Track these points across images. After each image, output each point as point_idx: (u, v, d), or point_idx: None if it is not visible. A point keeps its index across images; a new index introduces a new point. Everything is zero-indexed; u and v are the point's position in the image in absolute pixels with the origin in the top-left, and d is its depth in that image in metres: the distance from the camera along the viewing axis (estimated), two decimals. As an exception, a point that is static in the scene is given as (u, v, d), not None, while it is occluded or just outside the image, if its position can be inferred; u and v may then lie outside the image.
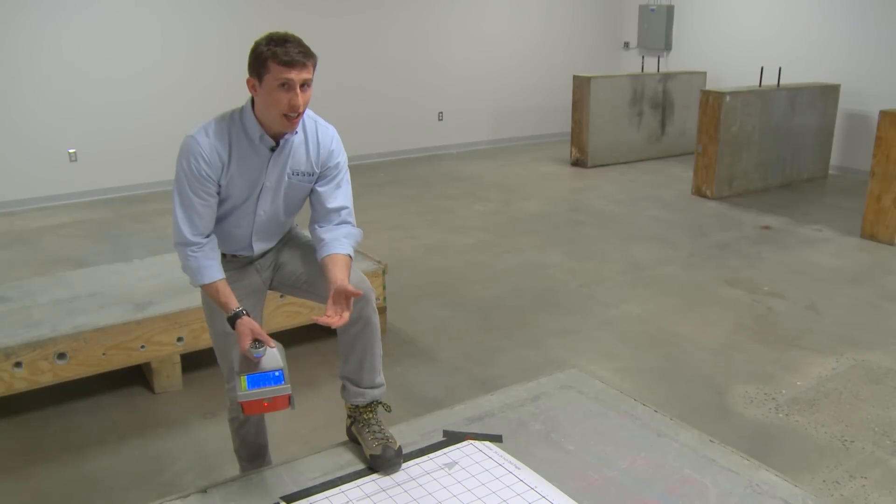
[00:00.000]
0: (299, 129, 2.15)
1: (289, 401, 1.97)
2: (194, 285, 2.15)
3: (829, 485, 2.74)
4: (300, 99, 1.98)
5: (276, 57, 1.94)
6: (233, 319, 2.04)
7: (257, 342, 1.99)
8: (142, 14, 6.87)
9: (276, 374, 1.97)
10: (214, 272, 2.10)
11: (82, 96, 6.71)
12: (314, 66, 2.02)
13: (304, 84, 1.99)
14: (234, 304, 2.07)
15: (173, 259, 3.78)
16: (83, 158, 6.84)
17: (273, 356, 2.00)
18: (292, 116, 2.01)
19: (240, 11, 7.12)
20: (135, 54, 6.90)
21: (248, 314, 2.06)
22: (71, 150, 6.77)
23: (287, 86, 1.96)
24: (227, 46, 7.06)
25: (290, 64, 1.94)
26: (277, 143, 2.11)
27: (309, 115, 2.20)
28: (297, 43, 1.98)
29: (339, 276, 2.04)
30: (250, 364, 1.98)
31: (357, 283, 2.16)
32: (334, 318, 1.98)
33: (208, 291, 2.12)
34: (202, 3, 7.16)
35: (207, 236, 2.12)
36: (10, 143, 6.48)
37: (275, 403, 1.96)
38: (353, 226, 2.25)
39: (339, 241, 2.16)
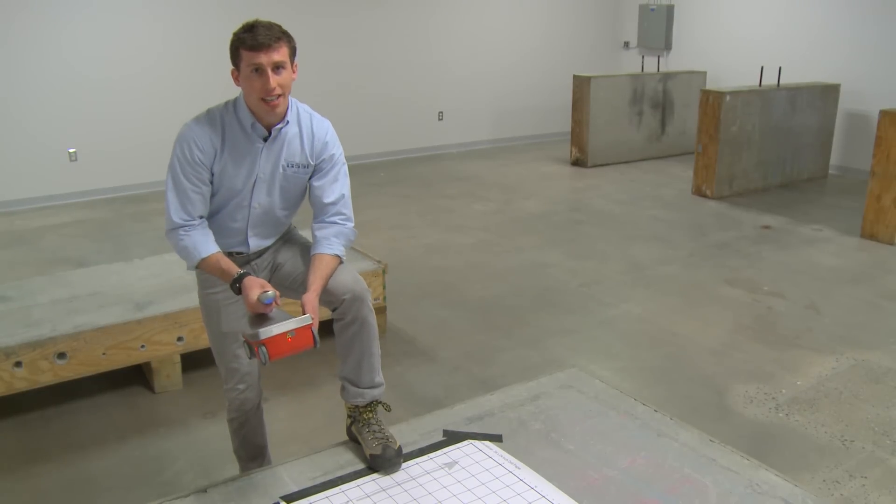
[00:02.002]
0: (294, 121, 2.16)
1: (313, 337, 1.94)
2: (191, 267, 2.14)
3: (829, 484, 2.74)
4: (273, 81, 2.00)
5: (244, 43, 1.99)
6: (238, 281, 2.02)
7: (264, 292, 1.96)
8: (141, 14, 6.87)
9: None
10: (210, 246, 2.11)
11: (82, 96, 6.71)
12: (289, 48, 2.04)
13: (278, 66, 2.01)
14: (237, 269, 2.06)
15: (173, 259, 3.80)
16: (83, 158, 6.84)
17: (282, 312, 1.97)
18: (270, 100, 2.02)
19: (239, 12, 7.09)
20: (134, 54, 6.90)
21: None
22: (71, 150, 6.77)
23: (259, 70, 1.99)
24: (226, 46, 7.03)
25: (256, 48, 1.97)
26: (270, 133, 2.12)
27: (305, 109, 2.22)
28: (266, 26, 2.01)
29: (312, 283, 2.05)
30: (262, 318, 1.94)
31: (352, 283, 2.16)
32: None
33: (208, 267, 2.10)
34: (202, 4, 7.16)
35: (198, 219, 2.12)
36: (10, 143, 6.48)
37: (299, 338, 1.92)
38: (350, 219, 2.25)
39: (328, 241, 2.17)
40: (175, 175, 2.09)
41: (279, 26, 2.04)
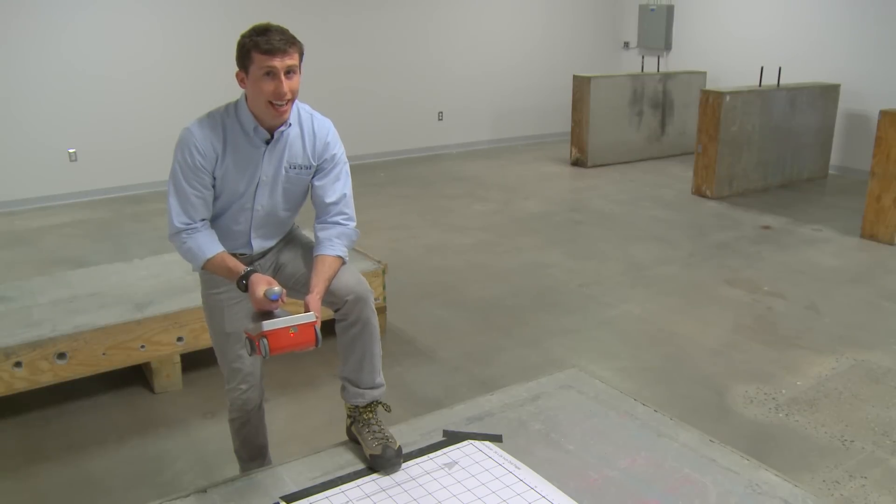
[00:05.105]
0: (295, 122, 2.15)
1: (315, 335, 1.93)
2: (196, 269, 2.14)
3: (829, 485, 2.74)
4: (285, 86, 1.99)
5: (258, 46, 1.97)
6: (245, 278, 2.02)
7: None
8: (141, 14, 6.87)
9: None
10: (214, 246, 2.10)
11: (82, 96, 6.71)
12: (300, 54, 2.04)
13: (289, 71, 2.00)
14: (243, 267, 2.06)
15: (173, 259, 3.80)
16: (83, 158, 6.84)
17: (286, 312, 1.96)
18: (279, 105, 2.01)
19: (239, 11, 7.12)
20: (134, 54, 6.90)
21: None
22: (71, 150, 6.77)
23: (271, 74, 1.98)
24: (226, 46, 6.99)
25: (271, 52, 1.96)
26: (272, 136, 2.11)
27: (305, 109, 2.21)
28: (279, 31, 2.00)
29: (315, 285, 2.05)
30: (266, 315, 1.94)
31: (355, 284, 2.16)
32: None
33: (214, 267, 2.10)
34: (201, 3, 7.16)
35: (200, 222, 2.12)
36: (10, 143, 6.48)
37: (301, 334, 1.91)
38: (352, 218, 2.25)
39: (330, 242, 2.16)
40: (176, 180, 2.08)
41: (289, 32, 2.03)
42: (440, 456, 2.29)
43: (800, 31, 8.12)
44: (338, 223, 2.21)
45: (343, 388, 2.31)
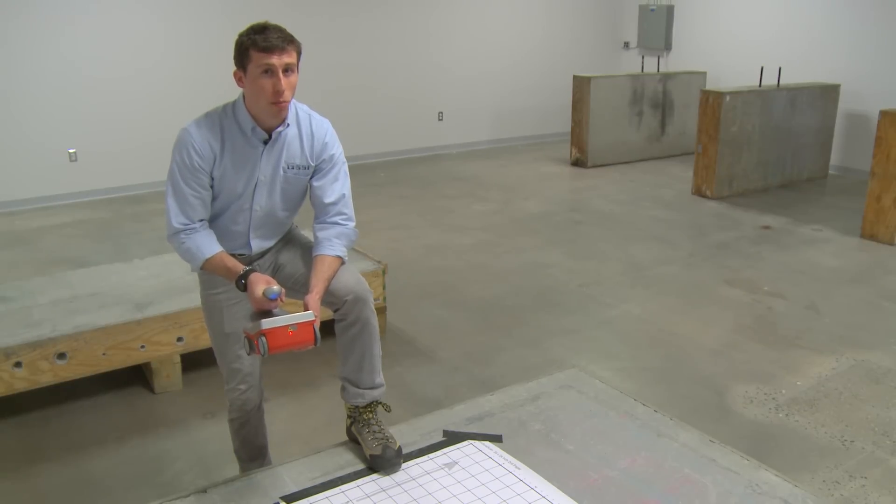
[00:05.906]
0: (293, 122, 2.15)
1: (314, 334, 1.93)
2: (195, 269, 2.14)
3: (829, 485, 2.74)
4: (283, 83, 1.99)
5: (256, 44, 1.97)
6: (244, 277, 2.02)
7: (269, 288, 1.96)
8: (142, 14, 6.88)
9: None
10: (213, 246, 2.10)
11: (82, 96, 6.71)
12: (298, 52, 2.04)
13: (287, 69, 2.00)
14: (242, 267, 2.06)
15: (173, 259, 3.80)
16: (83, 158, 6.84)
17: (285, 311, 1.96)
18: (278, 103, 2.01)
19: (239, 12, 7.12)
20: (135, 54, 6.90)
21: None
22: (71, 150, 6.77)
23: (270, 71, 1.98)
24: (226, 47, 6.99)
25: (269, 49, 1.96)
26: (270, 136, 2.11)
27: (303, 109, 2.21)
28: (277, 29, 2.01)
29: (314, 285, 2.05)
30: (265, 315, 1.94)
31: (354, 284, 2.16)
32: None
33: (213, 267, 2.10)
34: (202, 4, 7.16)
35: (199, 223, 2.12)
36: (10, 143, 6.48)
37: (300, 333, 1.91)
38: (351, 218, 2.25)
39: (329, 242, 2.17)
40: (174, 181, 2.08)
41: (287, 31, 2.03)
42: (440, 456, 2.29)
43: (800, 31, 8.12)
44: (337, 223, 2.21)
45: (343, 389, 2.31)
